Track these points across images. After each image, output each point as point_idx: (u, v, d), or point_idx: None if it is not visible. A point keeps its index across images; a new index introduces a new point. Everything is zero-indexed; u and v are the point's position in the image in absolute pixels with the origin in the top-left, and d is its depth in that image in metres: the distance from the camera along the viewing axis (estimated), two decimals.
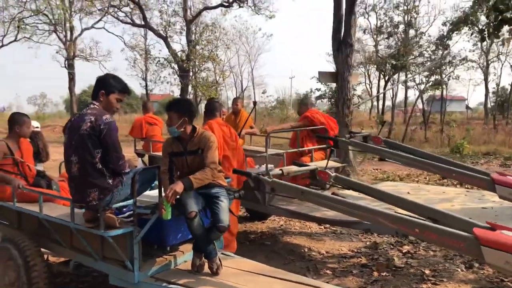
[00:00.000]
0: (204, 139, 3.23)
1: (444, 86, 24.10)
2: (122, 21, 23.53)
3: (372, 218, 2.81)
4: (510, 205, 4.23)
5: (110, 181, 3.00)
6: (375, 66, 26.76)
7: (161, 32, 21.80)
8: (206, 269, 3.16)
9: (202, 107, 20.46)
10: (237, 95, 40.57)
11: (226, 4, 21.79)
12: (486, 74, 32.96)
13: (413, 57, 21.54)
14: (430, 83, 20.82)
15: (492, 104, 33.49)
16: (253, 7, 21.41)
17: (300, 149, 5.43)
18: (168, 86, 32.75)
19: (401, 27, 22.86)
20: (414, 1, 23.31)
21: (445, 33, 20.56)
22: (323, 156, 5.49)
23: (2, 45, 29.21)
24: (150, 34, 27.28)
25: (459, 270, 4.34)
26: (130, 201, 3.11)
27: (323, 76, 9.99)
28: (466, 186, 6.88)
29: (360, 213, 2.89)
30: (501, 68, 34.13)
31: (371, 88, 37.31)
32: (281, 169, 4.39)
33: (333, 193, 4.07)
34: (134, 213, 2.99)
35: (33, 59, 62.85)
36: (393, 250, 5.07)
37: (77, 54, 30.39)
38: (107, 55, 31.46)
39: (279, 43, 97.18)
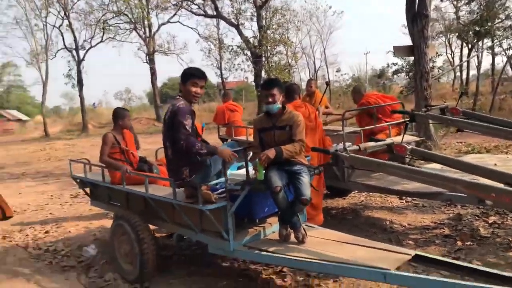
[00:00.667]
0: (293, 118, 3.55)
1: None
2: (195, 14, 24.33)
3: (448, 185, 2.90)
4: None
5: (196, 159, 3.46)
6: (457, 34, 25.16)
7: (233, 20, 22.23)
8: (292, 238, 3.45)
9: None
10: (310, 76, 40.31)
11: None
12: None
13: (499, 20, 19.92)
14: None
15: None
16: None
17: (377, 125, 5.49)
18: (242, 73, 33.37)
19: None
20: None
21: None
22: (399, 132, 5.50)
23: (91, 47, 31.98)
24: (222, 23, 28.03)
25: None
26: (222, 179, 3.51)
27: (398, 51, 9.79)
28: None
29: (435, 181, 2.98)
30: None
31: (453, 58, 35.17)
32: (358, 145, 4.55)
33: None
34: (226, 189, 3.36)
35: (116, 57, 67.09)
36: (478, 221, 5.02)
37: (156, 49, 32.32)
38: (183, 48, 33.22)
39: (353, 19, 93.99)
